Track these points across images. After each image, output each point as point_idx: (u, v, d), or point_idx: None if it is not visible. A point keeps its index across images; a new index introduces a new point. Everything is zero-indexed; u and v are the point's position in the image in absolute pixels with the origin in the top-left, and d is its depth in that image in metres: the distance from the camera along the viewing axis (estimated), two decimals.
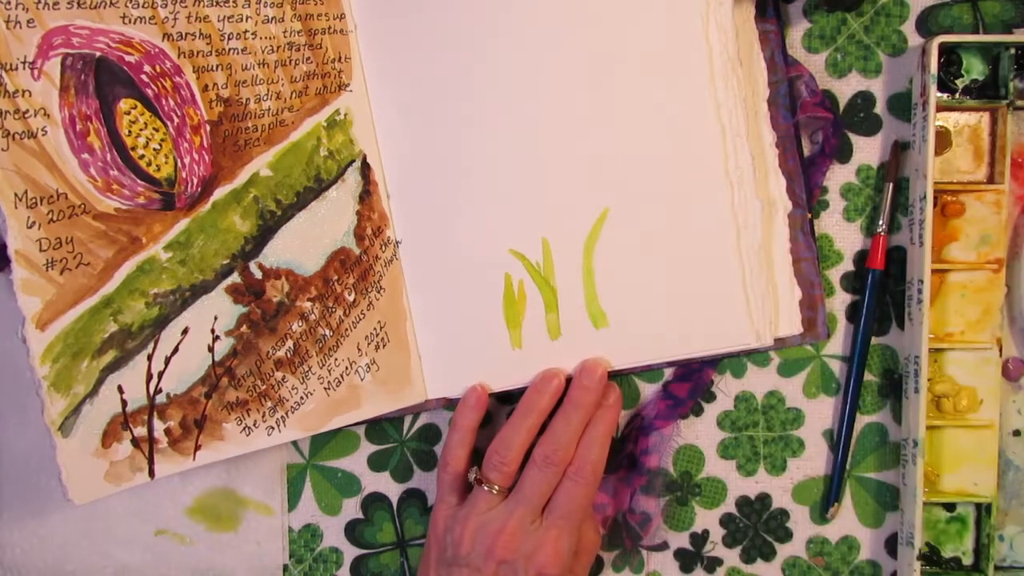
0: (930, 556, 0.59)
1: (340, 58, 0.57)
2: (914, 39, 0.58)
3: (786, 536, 0.61)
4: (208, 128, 0.52)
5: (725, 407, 0.61)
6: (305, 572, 0.63)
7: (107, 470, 0.50)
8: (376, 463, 0.62)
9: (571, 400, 0.57)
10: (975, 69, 0.57)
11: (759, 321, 0.55)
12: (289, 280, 0.55)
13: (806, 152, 0.58)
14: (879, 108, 0.58)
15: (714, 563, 0.62)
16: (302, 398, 0.56)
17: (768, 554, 0.61)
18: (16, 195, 0.46)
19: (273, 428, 0.55)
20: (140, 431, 0.51)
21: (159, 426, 0.51)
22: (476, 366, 0.59)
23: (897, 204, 0.58)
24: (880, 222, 0.58)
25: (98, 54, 0.48)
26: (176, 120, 0.51)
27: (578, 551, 0.57)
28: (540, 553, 0.54)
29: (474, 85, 0.57)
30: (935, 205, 0.56)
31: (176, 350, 0.51)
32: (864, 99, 0.58)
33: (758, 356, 0.60)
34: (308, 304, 0.55)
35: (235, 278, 0.53)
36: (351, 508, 0.63)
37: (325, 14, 0.56)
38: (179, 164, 0.51)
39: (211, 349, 0.53)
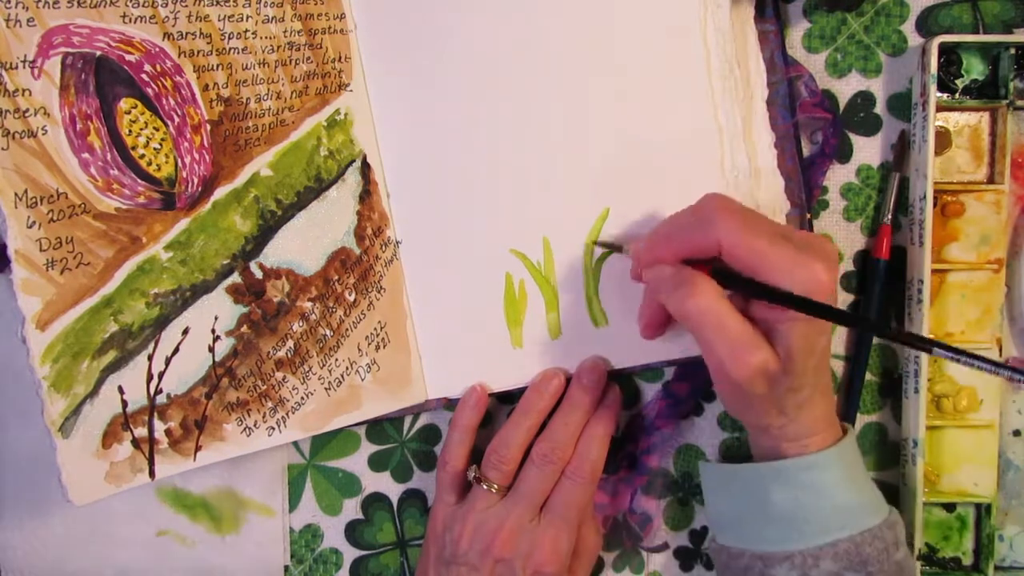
0: (930, 556, 0.59)
1: (340, 58, 0.57)
2: (914, 39, 0.58)
3: None
4: (208, 128, 0.52)
5: None
6: (305, 572, 0.63)
7: (107, 471, 0.50)
8: (376, 463, 0.62)
9: (570, 399, 0.57)
10: (975, 69, 0.57)
11: None
12: (290, 280, 0.55)
13: (806, 152, 0.59)
14: (879, 108, 0.58)
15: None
16: (303, 398, 0.56)
17: None
18: (16, 195, 0.46)
19: (274, 428, 0.55)
20: (140, 432, 0.51)
21: (159, 427, 0.51)
22: (476, 366, 0.59)
23: (902, 195, 0.58)
24: (886, 212, 0.58)
25: (98, 53, 0.48)
26: (176, 119, 0.51)
27: (578, 552, 0.57)
28: (538, 552, 0.54)
29: (474, 84, 0.57)
30: (935, 205, 0.56)
31: (177, 350, 0.51)
32: (864, 99, 0.58)
33: None
34: (309, 304, 0.55)
35: (236, 278, 0.53)
36: (351, 508, 0.62)
37: (325, 14, 0.56)
38: (179, 164, 0.51)
39: (212, 349, 0.53)
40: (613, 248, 0.55)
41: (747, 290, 0.46)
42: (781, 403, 0.47)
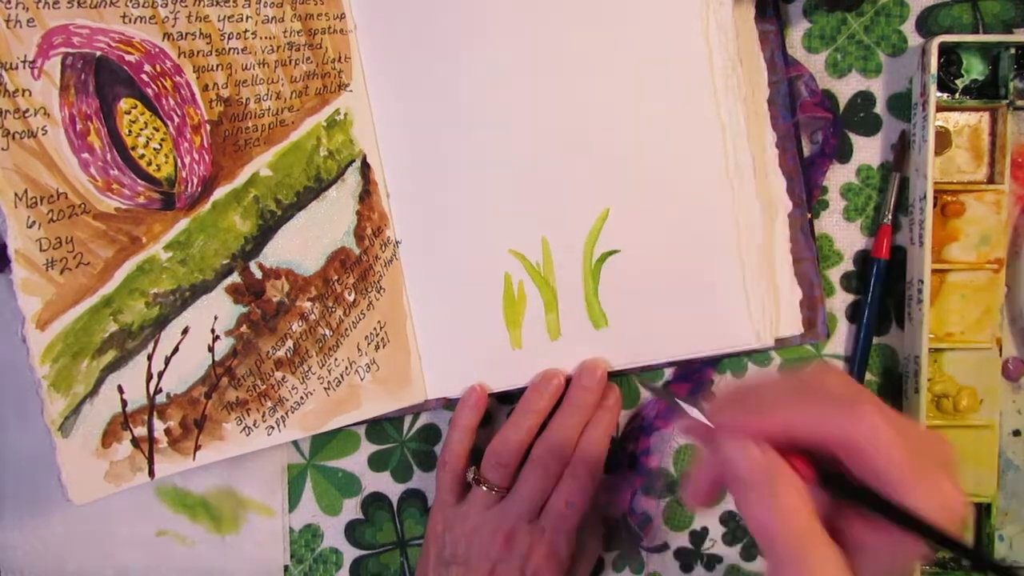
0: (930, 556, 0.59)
1: (340, 58, 0.57)
2: (914, 39, 0.58)
3: None
4: (208, 128, 0.52)
5: None
6: (305, 572, 0.63)
7: (107, 470, 0.50)
8: (376, 463, 0.62)
9: (570, 400, 0.57)
10: (975, 69, 0.57)
11: (760, 321, 0.55)
12: (289, 280, 0.55)
13: (806, 152, 0.59)
14: (879, 108, 0.58)
15: (713, 560, 0.62)
16: (302, 398, 0.56)
17: None
18: (16, 195, 0.46)
19: (273, 428, 0.55)
20: (140, 431, 0.51)
21: (159, 426, 0.51)
22: (476, 366, 0.59)
23: (902, 195, 0.58)
24: (886, 212, 0.58)
25: (98, 53, 0.48)
26: (176, 120, 0.51)
27: (578, 552, 0.57)
28: (537, 553, 0.54)
29: (474, 85, 0.57)
30: (935, 205, 0.56)
31: (176, 350, 0.51)
32: (864, 99, 0.58)
33: (759, 356, 0.60)
34: (308, 304, 0.55)
35: (235, 278, 0.53)
36: (351, 508, 0.63)
37: (325, 14, 0.56)
38: (179, 164, 0.51)
39: (211, 349, 0.53)
40: (663, 396, 0.47)
41: (869, 505, 0.36)
42: None
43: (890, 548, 0.36)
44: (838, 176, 0.59)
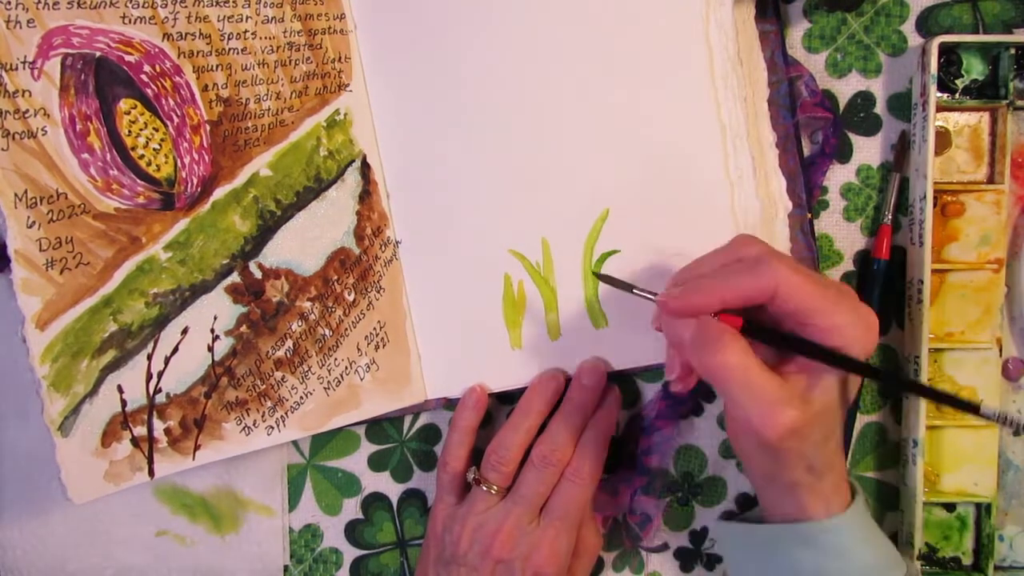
0: (930, 556, 0.59)
1: (340, 58, 0.57)
2: (914, 39, 0.58)
3: None
4: (208, 128, 0.52)
5: None
6: (305, 572, 0.63)
7: (107, 469, 0.50)
8: (376, 463, 0.62)
9: (570, 401, 0.57)
10: (975, 69, 0.57)
11: None
12: (289, 280, 0.55)
13: (806, 152, 0.58)
14: (879, 108, 0.58)
15: (713, 560, 0.62)
16: (301, 398, 0.56)
17: None
18: (16, 195, 0.46)
19: (273, 428, 0.55)
20: (140, 431, 0.51)
21: (159, 426, 0.51)
22: (476, 366, 0.59)
23: (902, 195, 0.58)
24: (886, 212, 0.58)
25: (98, 54, 0.48)
26: (176, 120, 0.51)
27: (578, 552, 0.57)
28: (537, 553, 0.54)
29: (474, 85, 0.57)
30: (935, 205, 0.56)
31: (176, 350, 0.52)
32: (864, 99, 0.58)
33: None
34: (308, 304, 0.55)
35: (235, 278, 0.53)
36: (351, 508, 0.63)
37: (325, 14, 0.56)
38: (179, 164, 0.51)
39: (211, 349, 0.53)
40: (617, 286, 0.51)
41: (784, 344, 0.44)
42: (810, 459, 0.45)
43: (818, 372, 0.44)
44: (838, 176, 0.59)
